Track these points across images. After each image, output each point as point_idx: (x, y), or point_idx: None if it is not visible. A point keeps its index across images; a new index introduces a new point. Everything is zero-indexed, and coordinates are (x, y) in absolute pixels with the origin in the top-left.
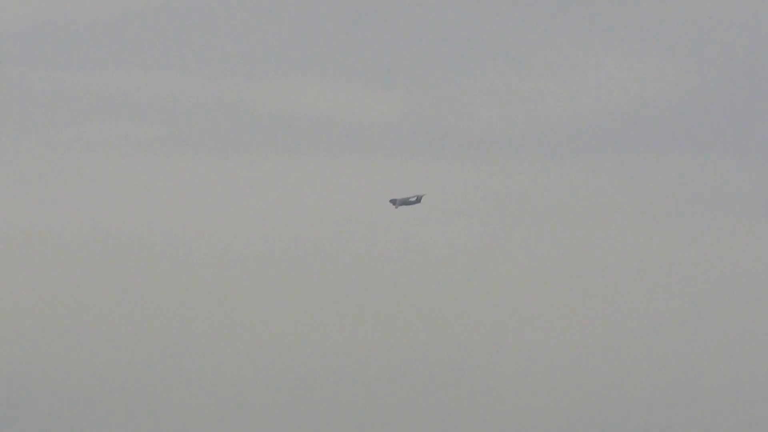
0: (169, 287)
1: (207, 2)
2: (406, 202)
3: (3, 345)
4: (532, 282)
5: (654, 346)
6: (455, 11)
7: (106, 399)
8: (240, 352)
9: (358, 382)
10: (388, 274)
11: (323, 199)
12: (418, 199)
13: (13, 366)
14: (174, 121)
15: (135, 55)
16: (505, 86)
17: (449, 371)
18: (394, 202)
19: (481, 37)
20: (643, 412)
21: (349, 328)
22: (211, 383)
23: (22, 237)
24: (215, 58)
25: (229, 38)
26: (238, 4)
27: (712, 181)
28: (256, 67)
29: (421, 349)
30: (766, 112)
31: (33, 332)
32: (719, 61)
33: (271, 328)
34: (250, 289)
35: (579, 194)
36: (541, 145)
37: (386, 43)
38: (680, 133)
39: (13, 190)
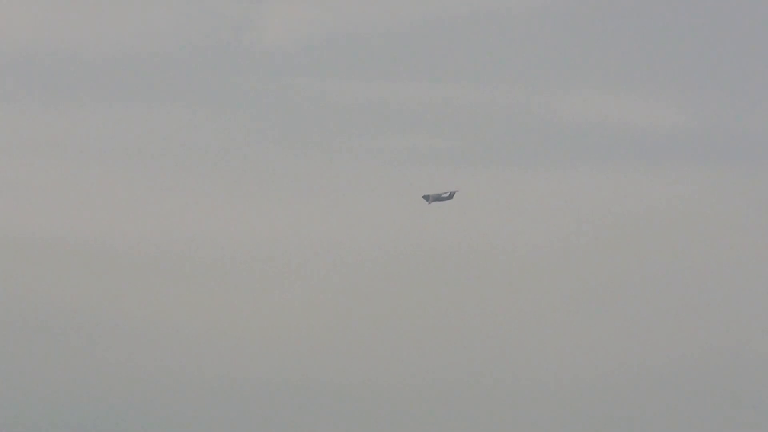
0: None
1: (477, 15)
2: (438, 198)
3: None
4: None
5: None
6: (733, 18)
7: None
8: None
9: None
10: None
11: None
12: (451, 195)
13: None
14: (467, 132)
15: (424, 66)
16: None
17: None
18: (427, 198)
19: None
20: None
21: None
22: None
23: (322, 247)
24: (503, 69)
25: (515, 49)
26: (521, 17)
27: None
28: (547, 77)
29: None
30: None
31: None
32: None
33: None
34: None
35: None
36: None
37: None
38: None
39: (315, 200)
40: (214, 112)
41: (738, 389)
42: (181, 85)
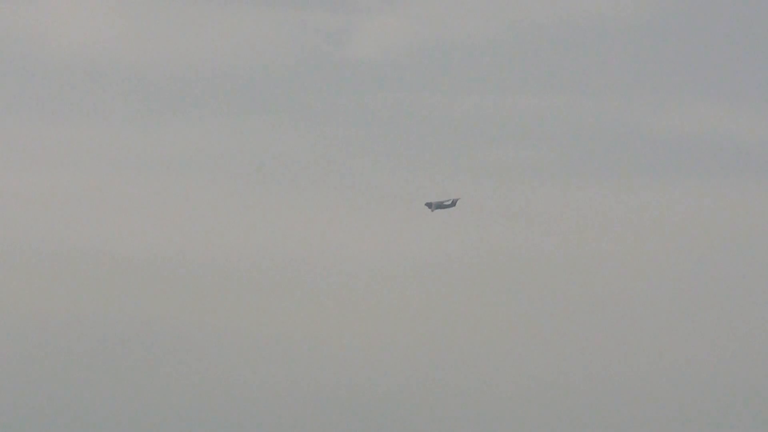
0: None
1: (576, 25)
2: (441, 205)
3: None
4: None
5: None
6: None
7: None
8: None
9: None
10: None
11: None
12: (454, 203)
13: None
14: (568, 145)
15: (519, 77)
16: None
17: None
18: (429, 205)
19: None
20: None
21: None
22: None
23: (417, 259)
24: (609, 82)
25: (614, 59)
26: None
27: None
28: (648, 89)
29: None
30: None
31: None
32: None
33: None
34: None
35: None
36: None
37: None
38: None
39: (410, 213)
40: (308, 125)
41: None
42: (275, 98)
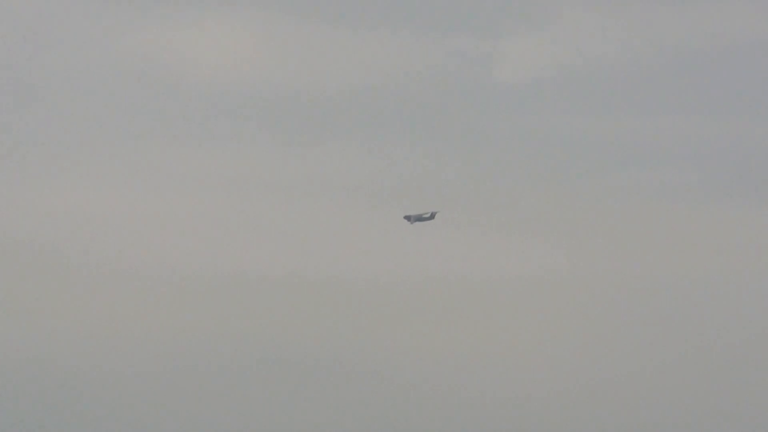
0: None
1: (714, 45)
2: (420, 218)
3: None
4: None
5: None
6: None
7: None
8: None
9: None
10: None
11: None
12: (432, 216)
13: None
14: (711, 166)
15: (660, 98)
16: None
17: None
18: (408, 218)
19: None
20: None
21: None
22: None
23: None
24: (737, 101)
25: (752, 81)
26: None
27: None
28: None
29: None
30: None
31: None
32: None
33: None
34: None
35: None
36: None
37: None
38: None
39: (555, 237)
40: (453, 148)
41: None
42: (420, 122)
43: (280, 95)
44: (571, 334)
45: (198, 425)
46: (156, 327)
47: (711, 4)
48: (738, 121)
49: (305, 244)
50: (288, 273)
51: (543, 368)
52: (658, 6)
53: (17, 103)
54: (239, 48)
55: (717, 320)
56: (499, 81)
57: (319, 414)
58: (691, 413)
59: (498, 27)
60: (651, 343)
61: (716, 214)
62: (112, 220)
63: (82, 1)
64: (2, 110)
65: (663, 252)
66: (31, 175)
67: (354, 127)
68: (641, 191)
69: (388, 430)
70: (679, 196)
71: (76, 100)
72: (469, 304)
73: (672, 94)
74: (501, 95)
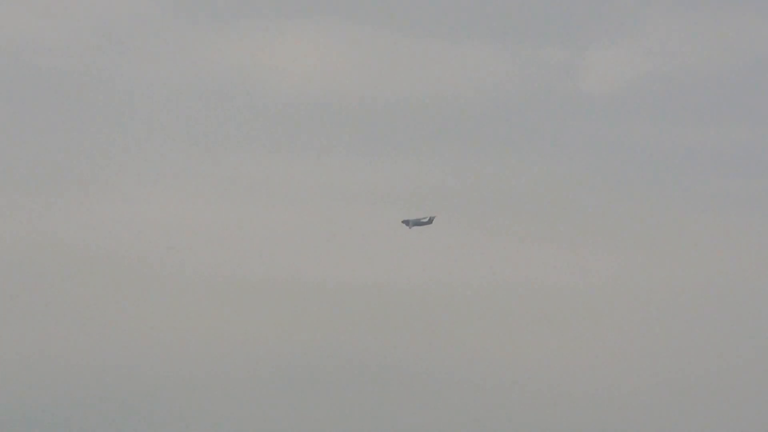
0: None
1: None
2: (418, 222)
3: None
4: None
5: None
6: None
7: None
8: None
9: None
10: None
11: None
12: (430, 220)
13: None
14: None
15: (748, 108)
16: None
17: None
18: (407, 222)
19: None
20: None
21: None
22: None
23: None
24: None
25: None
26: None
27: None
28: None
29: None
30: None
31: None
32: None
33: None
34: None
35: None
36: None
37: None
38: None
39: (649, 247)
40: (539, 158)
41: None
42: (506, 131)
43: (368, 105)
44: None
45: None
46: (247, 332)
47: None
48: None
49: (402, 254)
50: (378, 281)
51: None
52: (744, 14)
53: (109, 117)
54: (325, 59)
55: None
56: (585, 90)
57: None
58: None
59: (584, 37)
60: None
61: None
62: (203, 229)
63: (173, 16)
64: (95, 125)
65: (756, 260)
66: (123, 186)
67: (442, 137)
68: (730, 200)
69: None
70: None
71: (167, 113)
72: (569, 313)
73: (760, 103)
74: (587, 104)
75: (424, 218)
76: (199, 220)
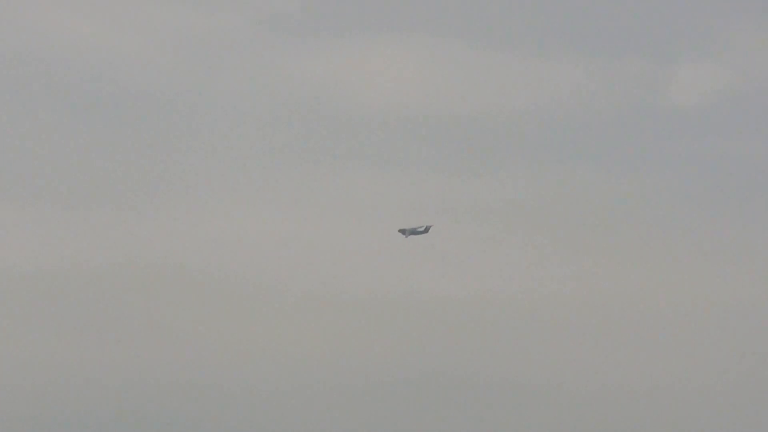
0: None
1: None
2: (414, 231)
3: None
4: None
5: None
6: None
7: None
8: None
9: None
10: None
11: None
12: (427, 229)
13: None
14: None
15: None
16: None
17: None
18: (403, 231)
19: None
20: None
21: None
22: None
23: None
24: None
25: None
26: None
27: None
28: None
29: None
30: None
31: None
32: None
33: None
34: None
35: None
36: None
37: None
38: None
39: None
40: (627, 172)
41: None
42: (594, 146)
43: (452, 120)
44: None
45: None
46: (343, 346)
47: None
48: None
49: (488, 266)
50: (470, 294)
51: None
52: None
53: (190, 133)
54: (411, 74)
55: None
56: (673, 104)
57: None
58: None
59: (671, 51)
60: None
61: None
62: (283, 245)
63: (259, 32)
64: (175, 141)
65: None
66: (203, 203)
67: (522, 154)
68: None
69: None
70: None
71: (247, 129)
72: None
73: None
74: (675, 118)
75: (420, 227)
76: (291, 235)
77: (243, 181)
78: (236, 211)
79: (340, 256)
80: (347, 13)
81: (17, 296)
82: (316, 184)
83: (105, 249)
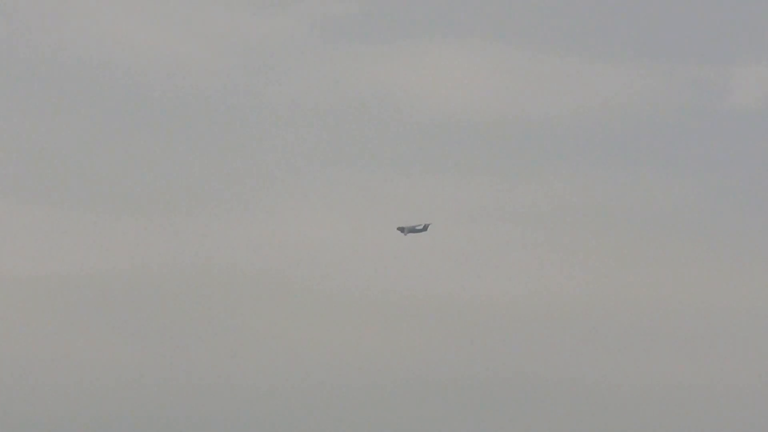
0: None
1: None
2: (413, 230)
3: None
4: None
5: None
6: None
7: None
8: None
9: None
10: None
11: None
12: (425, 228)
13: None
14: None
15: None
16: None
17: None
18: (402, 229)
19: None
20: None
21: None
22: None
23: None
24: None
25: None
26: None
27: None
28: None
29: None
30: None
31: None
32: None
33: None
34: None
35: None
36: None
37: None
38: None
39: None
40: (686, 175)
41: None
42: (653, 149)
43: (510, 124)
44: None
45: None
46: (405, 349)
47: None
48: None
49: (541, 272)
50: (514, 298)
51: None
52: None
53: (248, 138)
54: (469, 78)
55: None
56: (733, 107)
57: None
58: None
59: (729, 53)
60: None
61: None
62: (339, 249)
63: (318, 37)
64: (235, 145)
65: None
66: (261, 206)
67: (579, 157)
68: None
69: None
70: None
71: (305, 133)
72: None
73: None
74: (735, 121)
75: (419, 225)
76: (353, 240)
77: (302, 186)
78: (299, 216)
79: (404, 260)
80: (404, 16)
81: (72, 299)
82: (373, 189)
83: (181, 251)
